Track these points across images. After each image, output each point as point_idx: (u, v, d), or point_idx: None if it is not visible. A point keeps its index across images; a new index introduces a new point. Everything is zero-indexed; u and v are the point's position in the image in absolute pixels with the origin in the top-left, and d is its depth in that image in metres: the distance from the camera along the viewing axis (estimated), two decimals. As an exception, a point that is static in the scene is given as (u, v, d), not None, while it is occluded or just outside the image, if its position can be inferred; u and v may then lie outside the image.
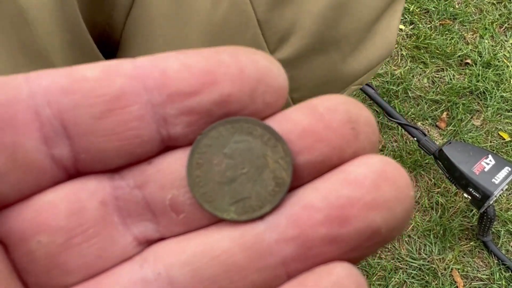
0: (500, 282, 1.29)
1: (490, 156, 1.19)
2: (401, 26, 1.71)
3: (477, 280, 1.30)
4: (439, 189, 1.41)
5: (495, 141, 1.51)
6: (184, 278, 0.12)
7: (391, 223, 0.12)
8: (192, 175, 0.12)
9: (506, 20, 1.74)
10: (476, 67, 1.63)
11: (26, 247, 0.12)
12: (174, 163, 0.13)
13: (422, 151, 1.36)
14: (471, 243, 1.34)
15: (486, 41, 1.69)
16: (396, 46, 1.67)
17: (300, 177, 0.12)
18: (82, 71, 0.12)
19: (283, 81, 0.12)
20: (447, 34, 1.70)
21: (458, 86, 1.59)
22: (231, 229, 0.12)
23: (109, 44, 0.36)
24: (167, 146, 0.13)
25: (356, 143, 0.12)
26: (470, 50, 1.67)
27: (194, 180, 0.13)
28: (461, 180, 1.17)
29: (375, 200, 0.12)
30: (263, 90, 0.12)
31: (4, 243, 0.12)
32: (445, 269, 1.30)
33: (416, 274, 1.30)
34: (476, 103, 1.58)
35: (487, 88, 1.59)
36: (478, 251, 1.34)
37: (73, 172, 0.12)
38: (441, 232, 1.35)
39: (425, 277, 1.29)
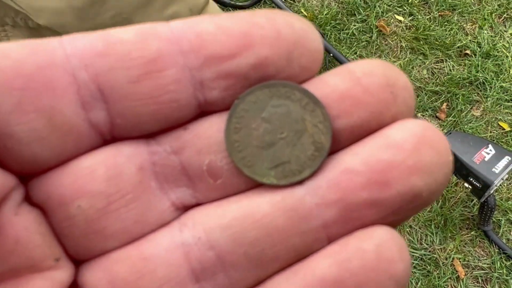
0: (501, 271, 1.30)
1: (490, 146, 1.19)
2: (400, 18, 1.71)
3: (478, 269, 1.31)
4: (440, 180, 1.42)
5: (495, 131, 1.52)
6: (225, 242, 0.12)
7: (432, 186, 0.12)
8: (230, 139, 0.12)
9: (505, 10, 1.74)
10: (475, 57, 1.63)
11: (66, 212, 0.12)
12: (211, 128, 0.12)
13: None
14: (472, 233, 1.35)
15: (485, 31, 1.69)
16: (395, 37, 1.68)
17: (339, 142, 0.12)
18: (117, 34, 0.12)
19: (319, 44, 0.12)
20: (446, 25, 1.70)
21: (457, 77, 1.59)
22: (271, 193, 0.12)
23: None
24: (203, 111, 0.12)
25: (395, 107, 0.12)
26: (470, 40, 1.67)
27: (232, 145, 0.12)
28: (462, 170, 1.18)
29: (416, 164, 0.11)
30: (300, 53, 0.12)
31: (43, 208, 0.12)
32: (446, 259, 1.31)
33: (418, 264, 1.31)
34: (475, 94, 1.58)
35: (487, 78, 1.59)
36: (479, 241, 1.35)
37: (110, 137, 0.12)
38: (442, 222, 1.36)
39: (427, 266, 1.30)
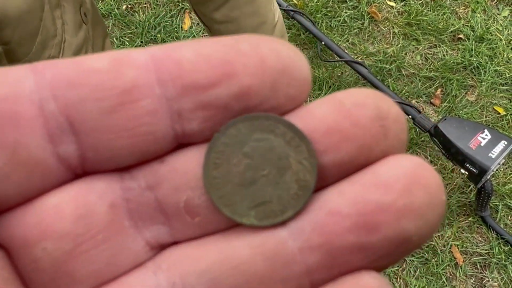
0: (499, 256, 1.29)
1: (486, 130, 1.18)
2: (392, 3, 1.69)
3: (476, 255, 1.30)
4: (436, 166, 1.40)
5: (490, 115, 1.50)
6: None
7: (423, 230, 0.11)
8: (209, 175, 0.12)
9: (497, -7, 1.72)
10: (469, 42, 1.61)
11: (30, 254, 0.11)
12: (189, 162, 0.12)
13: (417, 129, 1.35)
14: (469, 219, 1.34)
15: (478, 15, 1.67)
16: (387, 23, 1.65)
17: (325, 178, 0.11)
18: (90, 61, 0.11)
19: (307, 73, 0.12)
20: (438, 9, 1.67)
21: (451, 62, 1.57)
22: (251, 235, 0.11)
23: None
24: (181, 143, 0.12)
25: (385, 142, 0.11)
26: (463, 25, 1.65)
27: (211, 182, 0.12)
28: (458, 156, 1.16)
29: (407, 206, 0.11)
30: (286, 82, 0.11)
31: (6, 248, 0.11)
32: (444, 246, 1.30)
33: (416, 252, 1.30)
34: (470, 78, 1.56)
35: (481, 62, 1.57)
36: (477, 227, 1.34)
37: (80, 171, 0.11)
38: (439, 209, 1.35)
39: (425, 254, 1.29)
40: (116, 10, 1.61)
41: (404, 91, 1.53)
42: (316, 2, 1.66)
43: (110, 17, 1.61)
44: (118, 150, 0.11)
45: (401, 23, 1.65)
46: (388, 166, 0.11)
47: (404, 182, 0.11)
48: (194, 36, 1.56)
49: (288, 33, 1.58)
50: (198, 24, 1.59)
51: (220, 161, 0.12)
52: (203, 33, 1.57)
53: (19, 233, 0.11)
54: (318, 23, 1.62)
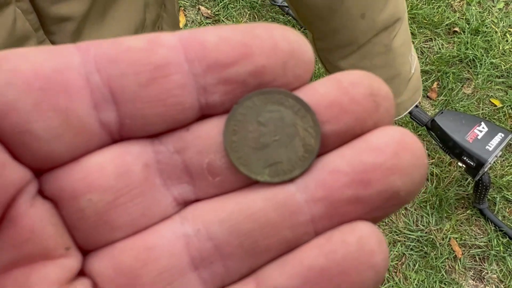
0: (498, 248, 1.29)
1: (483, 123, 1.18)
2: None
3: (475, 248, 1.31)
4: (433, 160, 1.40)
5: (486, 108, 1.50)
6: (222, 233, 0.13)
7: (409, 186, 0.13)
8: (228, 140, 0.13)
9: (492, -15, 1.72)
10: (464, 34, 1.61)
11: (77, 204, 0.13)
12: (211, 130, 0.13)
13: (414, 123, 1.35)
14: (467, 212, 1.35)
15: (474, 7, 1.67)
16: (383, 18, 1.65)
17: (327, 145, 0.13)
18: (128, 41, 0.13)
19: (311, 55, 0.13)
20: (433, 3, 1.67)
21: (447, 55, 1.57)
22: (265, 190, 0.13)
23: None
24: (204, 114, 0.13)
25: (377, 115, 0.13)
26: (458, 17, 1.65)
27: (230, 146, 0.13)
28: (455, 149, 1.16)
29: (395, 165, 0.13)
30: (294, 63, 0.13)
31: (55, 200, 0.13)
32: (443, 239, 1.31)
33: (415, 246, 1.30)
34: (466, 71, 1.56)
35: (477, 55, 1.57)
36: (475, 219, 1.34)
37: (118, 137, 0.13)
38: (437, 202, 1.35)
39: (424, 248, 1.29)
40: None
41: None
42: (311, -3, 1.65)
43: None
44: (151, 118, 0.13)
45: None
46: (379, 134, 0.13)
47: (393, 146, 0.13)
48: (189, 34, 1.56)
49: (283, 29, 1.58)
50: (193, 22, 1.58)
51: (238, 128, 0.13)
52: (198, 30, 1.56)
53: (68, 186, 0.13)
54: (313, 19, 1.62)
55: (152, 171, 0.13)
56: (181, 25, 1.57)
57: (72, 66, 0.12)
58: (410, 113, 1.29)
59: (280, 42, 0.13)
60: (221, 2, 1.61)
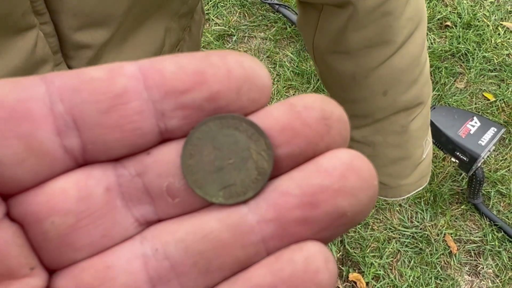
0: (493, 243, 1.29)
1: (475, 118, 1.17)
2: (378, -7, 1.68)
3: (470, 243, 1.30)
4: (427, 156, 1.40)
5: (480, 102, 1.50)
6: (178, 253, 0.14)
7: (356, 207, 0.14)
8: (185, 164, 0.14)
9: (483, -22, 1.71)
10: (456, 29, 1.61)
11: (41, 227, 0.14)
12: (170, 154, 0.14)
13: (407, 119, 1.34)
14: (462, 207, 1.34)
15: (465, 1, 1.66)
16: (374, 13, 1.64)
17: (279, 167, 0.14)
18: (89, 72, 0.13)
19: (266, 79, 0.14)
20: (425, -3, 1.66)
21: (439, 49, 1.57)
22: (219, 211, 0.14)
23: None
24: (164, 138, 0.14)
25: (329, 138, 0.14)
26: (449, 12, 1.64)
27: (187, 169, 0.14)
28: (448, 145, 1.16)
29: (342, 188, 0.13)
30: (248, 88, 0.14)
31: (21, 223, 0.14)
32: (438, 235, 1.30)
33: (410, 242, 1.30)
34: (458, 66, 1.56)
35: (469, 49, 1.57)
36: (470, 214, 1.34)
37: (81, 161, 0.14)
38: (432, 198, 1.34)
39: (419, 244, 1.29)
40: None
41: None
42: (301, -6, 1.64)
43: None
44: (112, 143, 0.14)
45: (387, 13, 1.64)
46: (329, 157, 0.14)
47: (341, 169, 0.13)
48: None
49: (274, 27, 1.57)
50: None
51: (194, 152, 0.14)
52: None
53: (32, 210, 0.14)
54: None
55: (114, 194, 0.14)
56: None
57: (36, 96, 0.13)
58: (402, 109, 1.28)
59: (234, 68, 0.14)
60: (211, 1, 1.60)
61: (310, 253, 0.13)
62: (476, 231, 1.32)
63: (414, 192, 0.68)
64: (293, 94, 1.50)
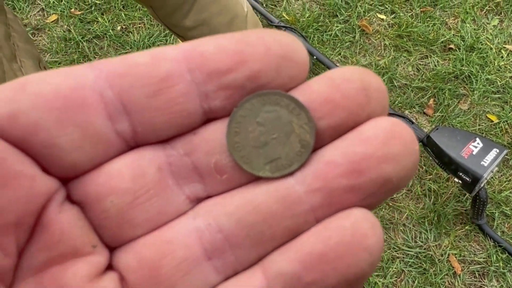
0: (497, 264, 1.29)
1: (477, 139, 1.19)
2: (383, 16, 1.71)
3: (474, 264, 1.30)
4: (431, 176, 1.41)
5: (483, 124, 1.51)
6: (230, 226, 0.15)
7: (400, 173, 0.14)
8: (231, 141, 0.15)
9: (486, 2, 1.75)
10: (459, 51, 1.63)
11: (101, 206, 0.15)
12: (216, 132, 0.15)
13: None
14: (466, 227, 1.34)
15: (468, 25, 1.69)
16: (378, 36, 1.68)
17: (322, 139, 0.15)
18: (135, 58, 0.14)
19: (304, 56, 0.14)
20: (428, 20, 1.70)
21: (443, 71, 1.59)
22: (267, 184, 0.15)
23: None
24: (208, 118, 0.15)
25: (369, 107, 0.14)
26: (453, 35, 1.67)
27: (233, 146, 0.15)
28: (451, 165, 1.17)
29: (385, 154, 0.14)
30: (287, 65, 0.14)
31: (81, 204, 0.15)
32: (442, 255, 1.30)
33: (414, 262, 1.30)
34: (462, 88, 1.58)
35: (472, 71, 1.59)
36: (474, 235, 1.34)
37: (133, 143, 0.15)
38: (436, 218, 1.35)
39: (423, 264, 1.29)
40: (111, 31, 1.63)
41: (397, 102, 1.54)
42: (307, 17, 1.68)
43: (105, 38, 1.63)
44: (160, 125, 0.14)
45: (392, 35, 1.67)
46: (370, 126, 0.14)
47: (383, 136, 0.14)
48: (188, 54, 1.58)
49: (280, 49, 1.61)
50: (191, 42, 1.61)
51: (239, 129, 0.15)
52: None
53: (92, 191, 0.15)
54: (310, 38, 1.64)
55: (165, 173, 0.15)
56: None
57: (86, 84, 0.14)
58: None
59: (272, 46, 0.14)
60: (219, 23, 1.65)
61: (357, 219, 0.14)
62: (481, 252, 1.32)
63: None
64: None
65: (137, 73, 0.14)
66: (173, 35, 1.61)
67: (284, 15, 1.69)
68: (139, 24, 1.65)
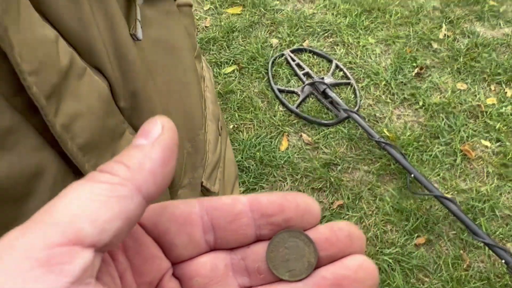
0: None
1: None
2: (487, 143, 1.70)
3: None
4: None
5: None
6: None
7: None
8: (268, 255, 0.24)
9: None
10: None
11: (191, 283, 0.24)
12: (261, 249, 0.24)
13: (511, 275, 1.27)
14: None
15: None
16: (481, 162, 1.65)
17: (321, 263, 0.23)
18: (223, 199, 0.24)
19: (318, 211, 0.24)
20: (537, 153, 1.65)
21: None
22: (286, 285, 0.23)
23: None
24: (258, 239, 0.24)
25: (351, 248, 0.23)
26: None
27: (269, 259, 0.24)
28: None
29: (356, 277, 0.22)
30: (308, 215, 0.23)
31: (180, 279, 0.24)
32: None
33: None
34: None
35: None
36: None
37: (213, 248, 0.24)
38: None
39: None
40: (224, 128, 1.81)
41: (498, 232, 1.47)
42: (408, 135, 1.73)
43: (217, 134, 1.81)
44: (231, 240, 0.24)
45: (496, 163, 1.64)
46: (350, 259, 0.23)
47: (356, 266, 0.22)
48: (289, 157, 1.69)
49: (378, 162, 1.65)
50: (294, 146, 1.73)
51: (274, 249, 0.24)
52: (298, 154, 1.69)
53: (187, 272, 0.24)
54: (409, 156, 1.67)
55: (229, 268, 0.24)
56: (283, 148, 1.72)
57: (194, 211, 0.23)
58: (507, 264, 1.23)
59: (300, 204, 0.23)
60: (321, 132, 1.76)
61: None
62: None
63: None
64: (390, 229, 1.51)
65: (223, 208, 0.23)
66: (277, 138, 1.74)
67: (385, 131, 1.75)
68: (249, 124, 1.82)
